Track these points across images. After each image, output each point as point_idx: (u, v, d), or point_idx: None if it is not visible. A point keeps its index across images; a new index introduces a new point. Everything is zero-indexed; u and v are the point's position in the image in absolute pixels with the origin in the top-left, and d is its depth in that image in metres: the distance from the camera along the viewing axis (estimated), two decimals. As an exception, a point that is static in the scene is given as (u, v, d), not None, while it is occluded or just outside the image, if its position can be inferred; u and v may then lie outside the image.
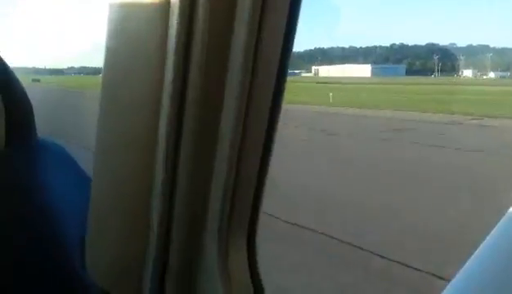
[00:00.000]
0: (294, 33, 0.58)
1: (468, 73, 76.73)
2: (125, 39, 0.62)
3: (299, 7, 0.57)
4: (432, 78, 70.17)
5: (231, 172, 0.60)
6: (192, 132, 0.60)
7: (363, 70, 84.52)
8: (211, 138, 0.60)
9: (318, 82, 41.61)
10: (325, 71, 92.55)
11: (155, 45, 0.59)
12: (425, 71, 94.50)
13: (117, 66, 0.64)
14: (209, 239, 0.64)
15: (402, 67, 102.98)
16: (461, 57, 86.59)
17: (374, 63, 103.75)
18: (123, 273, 0.70)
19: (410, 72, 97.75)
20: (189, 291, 0.68)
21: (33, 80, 38.07)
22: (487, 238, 0.39)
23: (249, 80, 0.56)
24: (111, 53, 0.64)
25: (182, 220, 0.64)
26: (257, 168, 0.63)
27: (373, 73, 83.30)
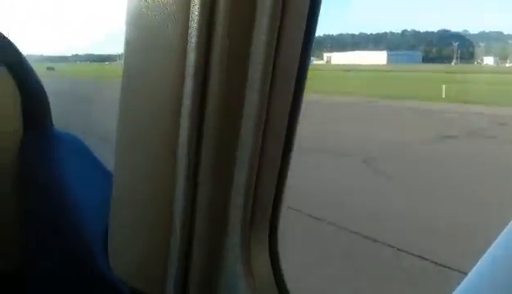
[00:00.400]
0: (314, 33, 0.58)
1: (489, 60, 73.91)
2: (145, 33, 0.62)
3: (319, 8, 0.57)
4: (456, 66, 67.39)
5: (252, 170, 0.60)
6: (214, 125, 0.59)
7: (378, 57, 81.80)
8: (233, 131, 0.59)
9: (345, 70, 39.00)
10: (338, 58, 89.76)
11: (176, 39, 0.58)
12: (441, 58, 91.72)
13: (137, 64, 0.64)
14: (232, 235, 0.64)
15: (419, 54, 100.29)
16: (481, 44, 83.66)
17: (386, 50, 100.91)
18: (147, 268, 0.70)
19: (425, 59, 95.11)
20: (211, 285, 0.67)
21: (48, 68, 36.21)
22: (496, 240, 0.40)
23: (271, 67, 0.56)
24: (130, 49, 0.64)
25: (205, 215, 0.64)
26: (278, 165, 0.63)
27: (389, 60, 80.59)
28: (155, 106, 0.62)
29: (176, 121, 0.60)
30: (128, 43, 0.64)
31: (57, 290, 1.05)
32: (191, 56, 0.56)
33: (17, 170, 1.19)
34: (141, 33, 0.62)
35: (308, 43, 0.58)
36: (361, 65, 56.09)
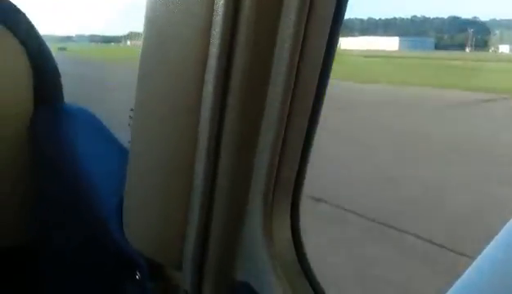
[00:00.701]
0: (341, 22, 0.57)
1: (504, 48, 72.25)
2: (166, 25, 0.61)
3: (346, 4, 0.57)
4: (476, 53, 65.73)
5: (276, 145, 0.59)
6: (238, 101, 0.58)
7: (390, 43, 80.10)
8: (257, 106, 0.58)
9: (367, 56, 37.45)
10: (348, 44, 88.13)
11: (200, 21, 0.57)
12: (453, 46, 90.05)
13: (157, 38, 0.63)
14: (253, 207, 0.63)
15: (431, 40, 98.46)
16: (496, 32, 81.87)
17: (396, 35, 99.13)
18: (164, 239, 0.70)
19: (438, 46, 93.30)
20: (231, 256, 0.67)
21: (60, 49, 34.66)
22: (496, 238, 0.40)
23: (298, 52, 0.55)
24: (151, 25, 0.63)
25: (225, 187, 0.63)
26: (303, 137, 0.63)
27: (401, 46, 78.90)
28: (177, 77, 0.61)
29: (198, 93, 0.59)
30: (148, 20, 0.63)
31: (72, 263, 1.05)
32: (217, 29, 0.55)
33: (28, 145, 1.17)
34: (162, 14, 0.61)
35: (336, 29, 0.57)
36: (378, 51, 54.46)
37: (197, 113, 0.59)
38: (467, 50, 76.63)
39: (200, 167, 0.61)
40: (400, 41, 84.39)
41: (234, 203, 0.64)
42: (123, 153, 0.80)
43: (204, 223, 0.64)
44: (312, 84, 0.59)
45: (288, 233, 0.65)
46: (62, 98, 1.23)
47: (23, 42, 1.17)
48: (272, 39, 0.55)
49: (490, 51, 72.64)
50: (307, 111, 0.60)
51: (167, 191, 0.67)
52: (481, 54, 58.86)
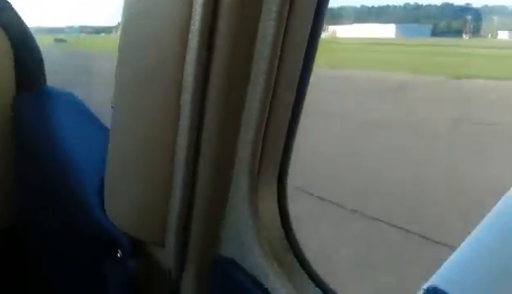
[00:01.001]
0: (322, 21, 0.58)
1: (503, 34, 71.30)
2: (143, 18, 0.62)
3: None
4: (474, 40, 64.71)
5: (263, 112, 0.59)
6: (222, 68, 0.58)
7: (386, 30, 79.03)
8: (242, 74, 0.58)
9: (367, 43, 36.27)
10: (343, 31, 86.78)
11: (179, 15, 0.57)
12: (450, 32, 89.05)
13: (137, 15, 0.63)
14: (238, 179, 0.63)
15: (427, 27, 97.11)
16: (494, 18, 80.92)
17: (391, 22, 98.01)
18: (146, 216, 0.69)
19: (434, 33, 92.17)
20: (215, 230, 0.66)
21: (56, 40, 31.32)
22: (486, 217, 0.37)
23: (282, 33, 0.55)
24: (130, 15, 0.64)
25: (210, 162, 0.63)
26: (290, 108, 0.62)
27: (397, 33, 77.86)
28: (157, 64, 0.61)
29: (179, 68, 0.59)
30: (126, 18, 0.63)
31: (55, 245, 1.04)
32: (198, 9, 0.55)
33: (11, 129, 1.17)
34: (139, 9, 0.61)
35: (319, 22, 0.58)
36: (370, 39, 53.29)
37: (179, 87, 0.59)
38: (465, 36, 75.59)
39: (183, 141, 0.61)
40: (396, 28, 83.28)
41: (218, 178, 0.63)
42: (105, 133, 0.78)
43: (187, 199, 0.64)
44: (296, 69, 0.58)
45: (274, 209, 0.64)
46: (45, 82, 1.20)
47: (3, 26, 1.15)
48: (254, 33, 0.55)
49: (488, 37, 71.71)
50: (297, 72, 0.59)
51: (149, 168, 0.66)
52: (486, 40, 57.82)
